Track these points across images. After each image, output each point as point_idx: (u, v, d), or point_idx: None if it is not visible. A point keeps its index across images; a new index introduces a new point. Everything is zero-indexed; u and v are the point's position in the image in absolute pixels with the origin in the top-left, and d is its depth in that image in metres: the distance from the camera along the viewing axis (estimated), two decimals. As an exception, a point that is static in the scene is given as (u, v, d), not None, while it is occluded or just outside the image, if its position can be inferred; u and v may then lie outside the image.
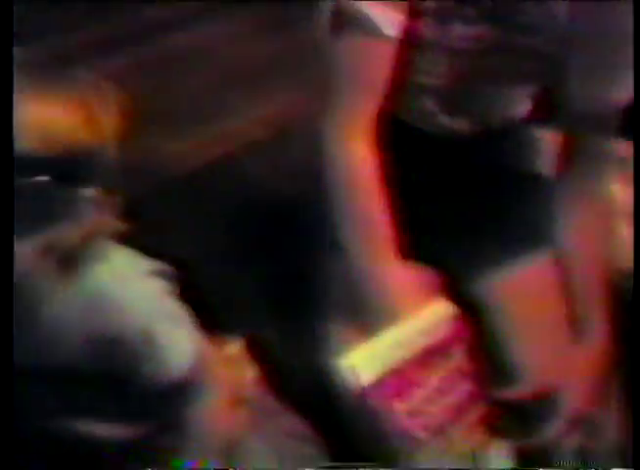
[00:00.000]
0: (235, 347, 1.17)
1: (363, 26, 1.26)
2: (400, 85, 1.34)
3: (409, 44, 1.30)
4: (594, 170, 1.44)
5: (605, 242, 1.46)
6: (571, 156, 1.45)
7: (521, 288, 1.41)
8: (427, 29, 1.32)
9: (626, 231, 1.54)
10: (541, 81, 1.47)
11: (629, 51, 1.34)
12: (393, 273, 1.29)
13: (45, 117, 0.93)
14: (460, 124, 1.46)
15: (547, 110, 1.50)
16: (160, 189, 1.53)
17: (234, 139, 1.98)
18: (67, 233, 0.95)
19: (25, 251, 0.94)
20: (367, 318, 1.27)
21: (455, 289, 1.32)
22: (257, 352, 1.21)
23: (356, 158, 1.30)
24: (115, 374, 0.97)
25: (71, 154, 0.94)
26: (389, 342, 1.21)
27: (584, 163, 1.44)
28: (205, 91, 2.12)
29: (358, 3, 1.25)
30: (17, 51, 0.98)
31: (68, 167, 0.94)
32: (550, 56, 1.39)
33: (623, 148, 1.53)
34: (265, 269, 1.45)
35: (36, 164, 0.92)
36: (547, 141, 1.53)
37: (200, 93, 2.07)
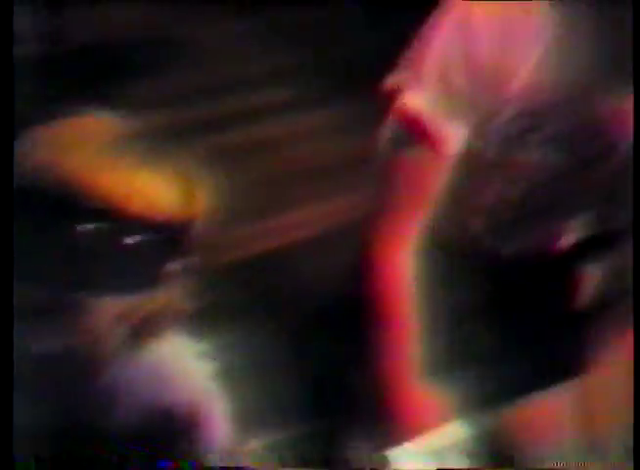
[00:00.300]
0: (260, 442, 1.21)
1: (423, 142, 1.27)
2: (452, 202, 1.35)
3: (467, 163, 1.31)
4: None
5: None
6: (610, 293, 1.45)
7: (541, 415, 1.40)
8: (488, 151, 1.32)
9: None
10: (593, 216, 1.48)
11: None
12: (414, 392, 1.28)
13: (150, 186, 0.96)
14: (505, 250, 1.46)
15: (597, 244, 1.50)
16: (221, 271, 1.56)
17: (290, 232, 2.03)
18: (147, 302, 0.98)
19: (107, 311, 0.96)
20: (383, 434, 1.27)
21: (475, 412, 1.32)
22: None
23: (396, 269, 1.29)
24: (157, 442, 1.02)
25: (168, 225, 0.96)
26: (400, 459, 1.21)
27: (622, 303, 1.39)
28: (273, 182, 2.17)
29: (421, 119, 1.26)
30: (131, 121, 1.02)
31: (162, 237, 0.96)
32: (605, 191, 1.40)
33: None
34: (297, 368, 1.46)
35: (134, 228, 0.94)
36: (591, 276, 1.53)
37: (269, 182, 2.12)
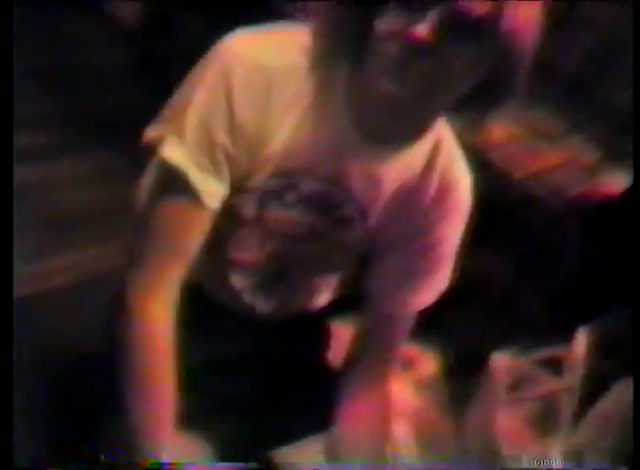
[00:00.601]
0: None
1: (185, 194, 1.26)
2: (211, 257, 1.35)
3: (227, 218, 1.31)
4: (378, 368, 1.47)
5: (379, 438, 1.48)
6: (359, 351, 1.47)
7: None
8: (246, 207, 1.33)
9: (403, 429, 1.60)
10: (346, 275, 1.51)
11: (436, 257, 1.39)
12: (171, 442, 1.27)
13: None
14: (263, 306, 1.48)
15: (348, 303, 1.53)
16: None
17: (42, 280, 1.97)
18: None
19: None
20: None
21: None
22: None
23: (152, 322, 1.28)
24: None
25: None
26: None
27: (370, 360, 1.46)
28: (29, 228, 2.10)
29: (186, 171, 1.25)
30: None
31: None
32: (357, 252, 1.42)
33: (408, 352, 1.61)
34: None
35: None
36: (342, 333, 1.56)
37: (24, 228, 2.04)
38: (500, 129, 2.30)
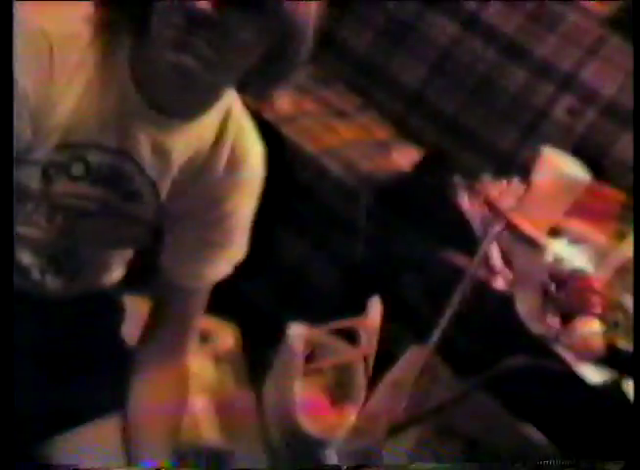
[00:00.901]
0: None
1: None
2: None
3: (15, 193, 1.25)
4: (174, 342, 1.45)
5: (177, 414, 1.47)
6: (155, 325, 1.45)
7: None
8: (30, 180, 1.28)
9: (201, 404, 1.59)
10: (138, 249, 1.49)
11: (229, 228, 1.39)
12: None
13: None
14: (54, 283, 1.43)
15: (141, 277, 1.50)
16: None
17: None
18: None
19: None
20: None
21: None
22: None
23: None
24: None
25: None
26: None
27: (165, 334, 1.45)
28: None
29: None
30: None
31: None
32: (149, 225, 1.40)
33: (206, 325, 1.60)
34: None
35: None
36: (136, 308, 1.54)
37: None
38: (291, 104, 2.33)
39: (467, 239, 1.79)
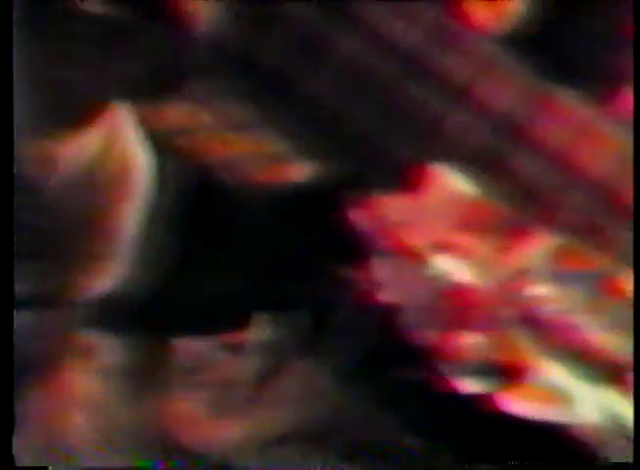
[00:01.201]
0: None
1: None
2: None
3: None
4: (52, 358, 1.46)
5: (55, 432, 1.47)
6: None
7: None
8: None
9: (80, 420, 1.57)
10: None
11: (114, 240, 1.40)
12: None
13: None
14: None
15: None
16: None
17: None
18: None
19: None
20: None
21: None
22: None
23: None
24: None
25: None
26: None
27: (44, 349, 1.45)
28: None
29: None
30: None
31: None
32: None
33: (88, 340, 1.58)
34: None
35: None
36: None
37: None
38: (186, 116, 2.32)
39: (354, 252, 1.80)
